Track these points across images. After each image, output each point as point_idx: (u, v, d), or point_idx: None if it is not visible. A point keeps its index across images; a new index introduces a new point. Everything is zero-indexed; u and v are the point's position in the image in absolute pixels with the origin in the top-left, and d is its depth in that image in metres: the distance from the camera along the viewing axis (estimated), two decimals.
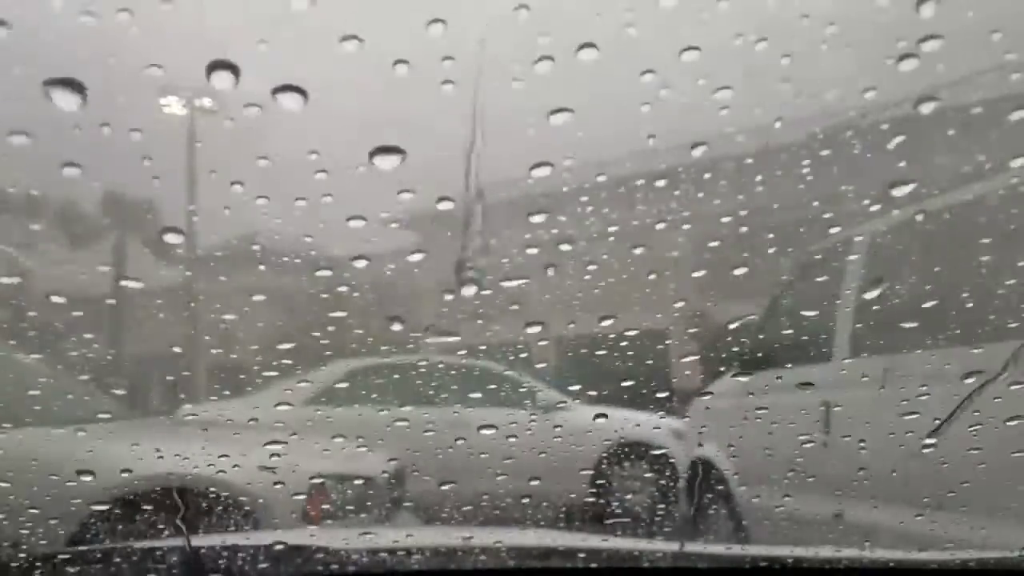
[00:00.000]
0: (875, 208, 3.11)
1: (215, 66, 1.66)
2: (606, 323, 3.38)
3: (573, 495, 6.33)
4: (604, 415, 6.32)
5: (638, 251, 2.86)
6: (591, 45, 1.95)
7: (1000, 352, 2.47)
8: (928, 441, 2.47)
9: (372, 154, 1.91)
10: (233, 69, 1.67)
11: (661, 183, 2.48)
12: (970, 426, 2.42)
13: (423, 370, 7.02)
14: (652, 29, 2.10)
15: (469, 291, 2.31)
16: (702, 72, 2.05)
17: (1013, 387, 2.31)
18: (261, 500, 3.32)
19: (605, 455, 6.60)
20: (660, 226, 3.13)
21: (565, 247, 2.77)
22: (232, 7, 2.06)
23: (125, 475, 3.08)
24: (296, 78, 2.03)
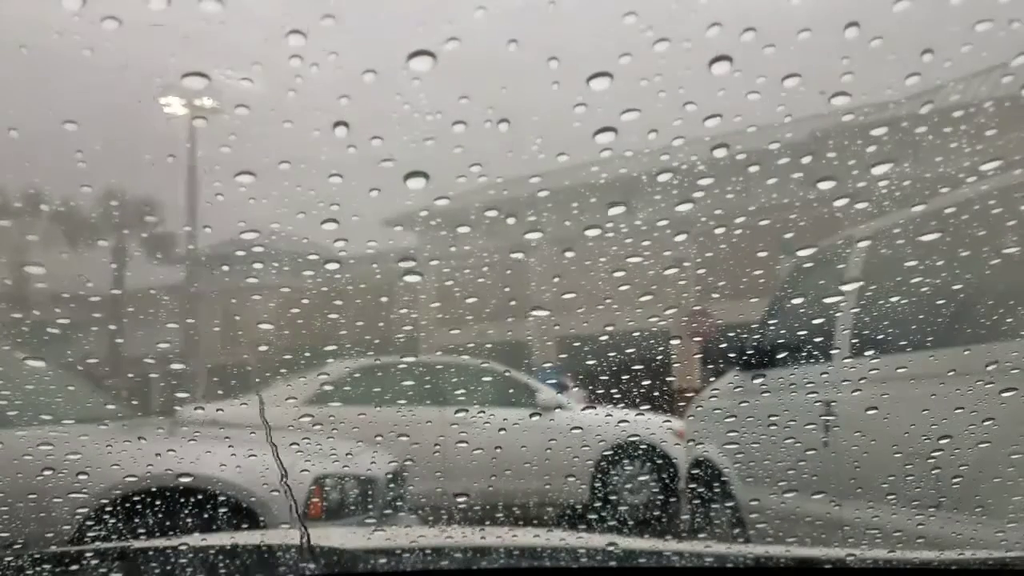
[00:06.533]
0: (875, 208, 3.11)
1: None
2: (607, 323, 3.38)
3: (573, 494, 6.33)
4: (605, 415, 6.34)
5: (638, 251, 2.86)
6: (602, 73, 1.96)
7: (1000, 351, 2.47)
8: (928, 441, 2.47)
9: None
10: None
11: (661, 182, 2.48)
12: (969, 427, 2.42)
13: (423, 370, 7.02)
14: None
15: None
16: (703, 71, 2.05)
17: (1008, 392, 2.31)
18: (261, 500, 3.32)
19: (605, 455, 6.60)
20: (660, 226, 3.13)
21: (564, 247, 2.77)
22: (233, 10, 2.06)
23: (125, 475, 3.08)
24: (300, 80, 2.03)
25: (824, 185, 2.24)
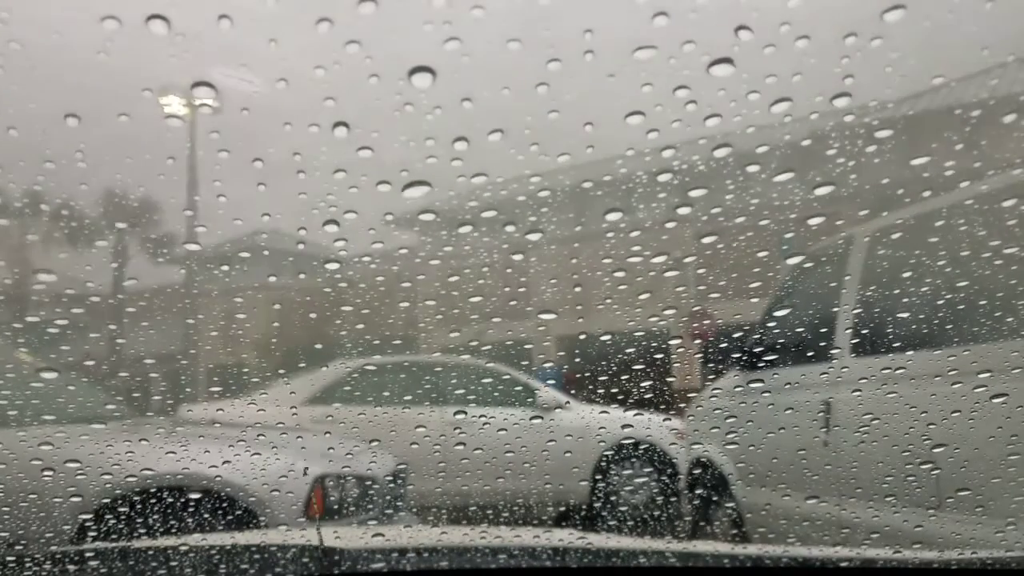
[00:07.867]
0: (874, 208, 3.11)
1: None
2: (607, 323, 3.38)
3: (574, 494, 6.34)
4: (605, 415, 6.34)
5: (639, 251, 2.86)
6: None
7: (999, 351, 2.47)
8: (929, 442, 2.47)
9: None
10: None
11: (661, 183, 2.48)
12: (969, 428, 2.42)
13: (423, 370, 7.03)
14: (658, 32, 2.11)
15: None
16: (704, 71, 2.06)
17: (998, 399, 2.31)
18: (261, 499, 3.32)
19: (606, 455, 6.60)
20: (662, 226, 3.14)
21: (565, 247, 2.77)
22: (233, 10, 2.07)
23: (125, 475, 3.08)
24: (299, 80, 2.03)
25: (823, 190, 2.25)
